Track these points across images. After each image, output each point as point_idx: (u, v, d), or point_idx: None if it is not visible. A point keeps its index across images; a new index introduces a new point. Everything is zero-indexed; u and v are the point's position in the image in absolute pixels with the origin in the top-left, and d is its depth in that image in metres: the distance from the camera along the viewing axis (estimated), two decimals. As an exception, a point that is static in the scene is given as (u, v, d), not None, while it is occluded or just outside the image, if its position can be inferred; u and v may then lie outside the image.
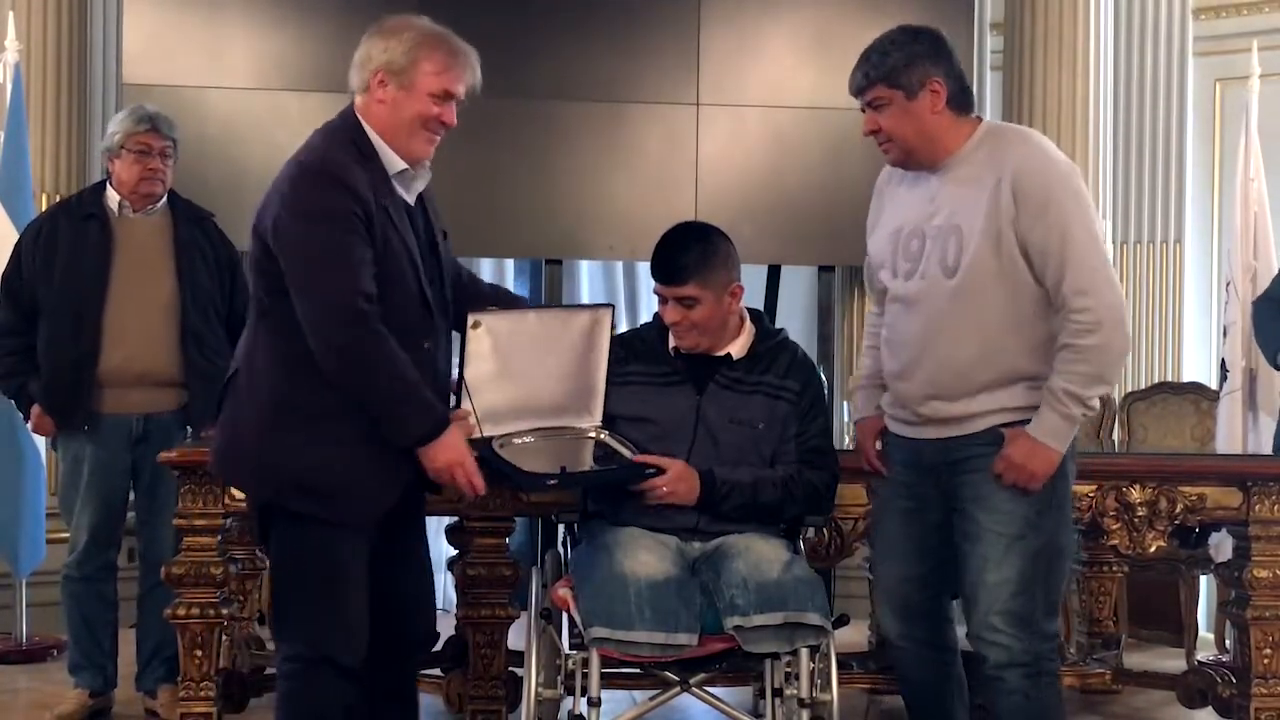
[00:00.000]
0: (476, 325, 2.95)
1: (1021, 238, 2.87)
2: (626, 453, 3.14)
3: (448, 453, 2.80)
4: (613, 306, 3.21)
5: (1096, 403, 2.95)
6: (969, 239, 2.90)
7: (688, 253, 3.15)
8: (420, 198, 2.95)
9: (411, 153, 2.86)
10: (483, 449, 2.99)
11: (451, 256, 3.07)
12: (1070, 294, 2.86)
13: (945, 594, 3.16)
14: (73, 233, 4.12)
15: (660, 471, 3.08)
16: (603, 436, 3.16)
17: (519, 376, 3.05)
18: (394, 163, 2.85)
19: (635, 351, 3.24)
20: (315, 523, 2.82)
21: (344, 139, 2.84)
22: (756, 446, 3.17)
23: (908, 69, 2.93)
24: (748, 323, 3.27)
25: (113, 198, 4.17)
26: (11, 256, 4.23)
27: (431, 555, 3.21)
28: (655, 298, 3.25)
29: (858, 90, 2.98)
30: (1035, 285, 2.91)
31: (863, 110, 3.02)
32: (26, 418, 4.25)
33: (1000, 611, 2.93)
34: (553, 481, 3.10)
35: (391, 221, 2.80)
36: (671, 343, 3.24)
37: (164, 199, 4.20)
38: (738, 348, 3.23)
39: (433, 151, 2.91)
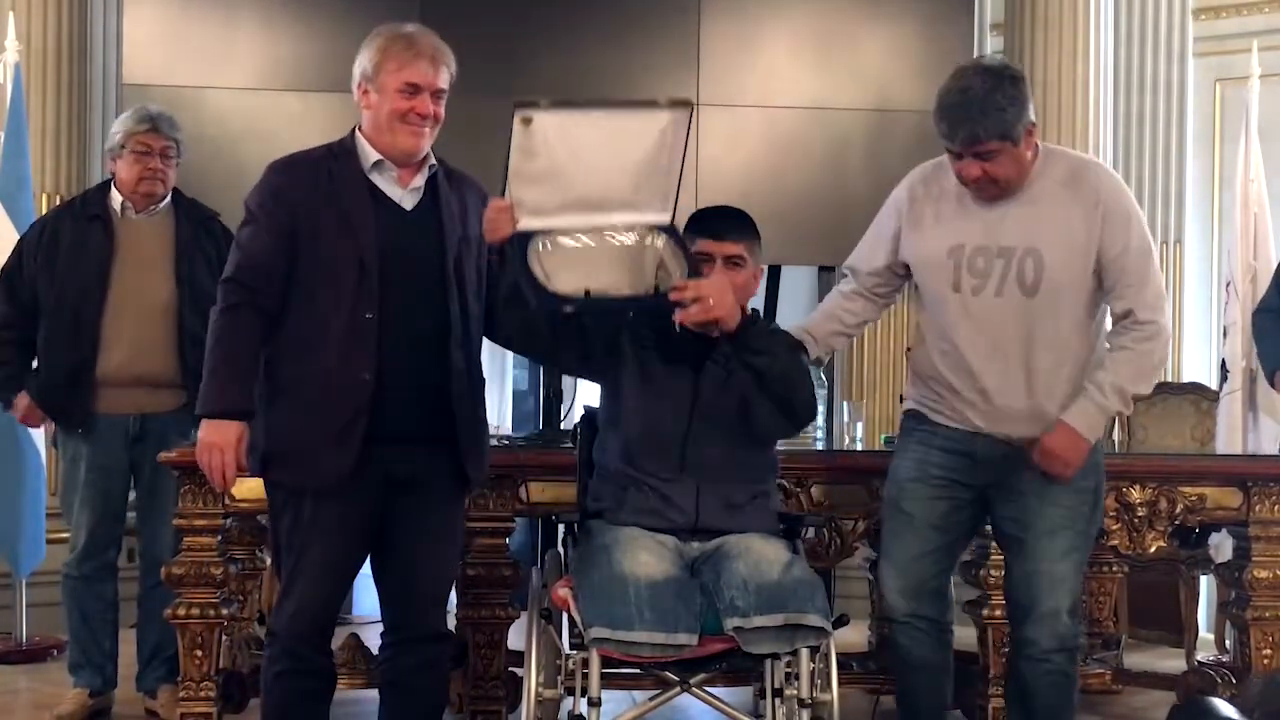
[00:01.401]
0: (527, 121, 2.97)
1: (1103, 254, 3.09)
2: (677, 274, 3.07)
3: (213, 434, 2.97)
4: (691, 105, 3.10)
5: (1130, 409, 3.16)
6: (1049, 260, 3.07)
7: (740, 217, 3.26)
8: (452, 198, 3.11)
9: (397, 147, 3.07)
10: (518, 247, 2.99)
11: (486, 259, 3.18)
12: (1141, 308, 3.10)
13: (951, 572, 3.31)
14: (75, 233, 4.12)
15: (689, 303, 3.01)
16: (659, 245, 3.09)
17: (576, 172, 3.06)
18: (369, 157, 3.07)
19: (644, 321, 3.27)
20: (279, 491, 3.06)
21: (328, 144, 3.12)
22: (752, 411, 3.17)
23: (1019, 121, 3.02)
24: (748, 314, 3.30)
25: (116, 198, 4.17)
26: (13, 253, 4.23)
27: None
28: None
29: (970, 143, 3.01)
30: (1095, 298, 3.14)
31: (956, 154, 3.06)
32: (7, 406, 4.24)
33: (1069, 601, 3.14)
34: (569, 308, 3.05)
35: (340, 207, 3.02)
36: (676, 318, 3.25)
37: (167, 199, 4.20)
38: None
39: (424, 143, 3.08)
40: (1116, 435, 5.36)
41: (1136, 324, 3.10)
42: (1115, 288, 3.11)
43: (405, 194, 3.09)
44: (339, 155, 3.09)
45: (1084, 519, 3.17)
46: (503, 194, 3.01)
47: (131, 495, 4.27)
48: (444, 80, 3.08)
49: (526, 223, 3.02)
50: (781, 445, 3.89)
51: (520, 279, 3.02)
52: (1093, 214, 3.08)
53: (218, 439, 2.97)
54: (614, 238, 3.10)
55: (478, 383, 3.16)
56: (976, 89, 3.00)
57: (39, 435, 4.94)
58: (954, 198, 3.17)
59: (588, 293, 3.02)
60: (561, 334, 3.14)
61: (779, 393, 3.10)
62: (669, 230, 3.12)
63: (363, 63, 3.09)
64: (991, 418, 3.14)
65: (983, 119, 2.98)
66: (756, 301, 3.45)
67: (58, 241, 4.12)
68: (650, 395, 3.17)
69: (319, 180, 3.05)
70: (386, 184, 3.08)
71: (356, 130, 3.12)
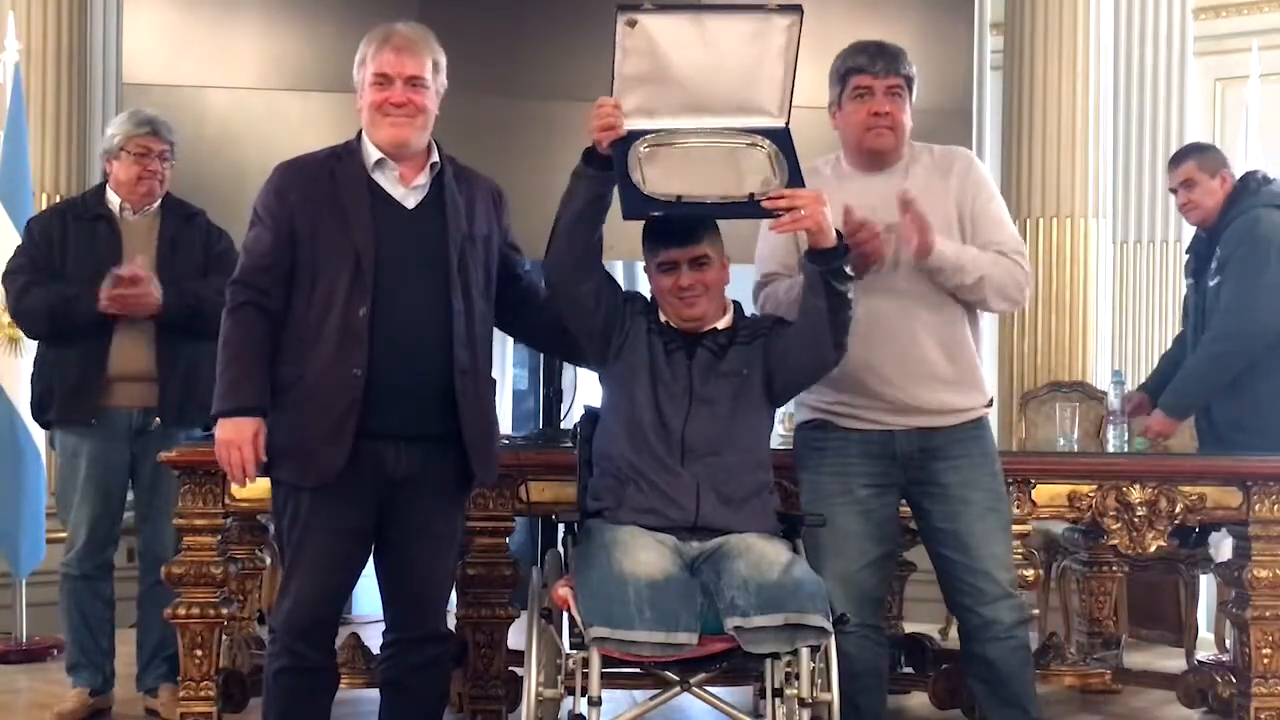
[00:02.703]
0: (631, 23, 3.01)
1: (969, 208, 3.29)
2: (777, 182, 3.08)
3: (230, 432, 3.00)
4: (802, 9, 3.11)
5: (965, 279, 3.23)
6: (933, 225, 3.20)
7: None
8: (459, 196, 3.13)
9: (382, 140, 3.08)
10: (619, 148, 3.01)
11: (501, 256, 3.23)
12: (1011, 251, 3.28)
13: (890, 578, 3.46)
14: (81, 233, 4.16)
15: (782, 212, 3.02)
16: (764, 150, 3.11)
17: (683, 74, 3.08)
18: (371, 156, 3.10)
19: (645, 308, 3.29)
20: (280, 488, 3.08)
21: (334, 146, 3.15)
22: (748, 392, 3.20)
23: (914, 85, 3.31)
24: (731, 308, 3.32)
25: (113, 199, 4.21)
26: (23, 243, 4.26)
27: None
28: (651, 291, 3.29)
29: (888, 72, 3.24)
30: None
31: (856, 89, 3.26)
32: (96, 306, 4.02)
33: (1010, 576, 3.29)
34: (659, 212, 3.07)
35: (339, 206, 3.04)
36: (661, 318, 3.27)
37: (159, 200, 4.23)
38: (723, 323, 3.28)
39: (408, 134, 3.07)
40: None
41: (1004, 254, 3.26)
42: (980, 235, 3.27)
43: (408, 192, 3.10)
44: (343, 156, 3.12)
45: (1003, 498, 3.35)
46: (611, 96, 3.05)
47: (129, 495, 4.27)
48: (419, 68, 3.07)
49: (634, 123, 3.03)
50: (782, 445, 3.89)
51: (618, 183, 3.04)
52: (963, 181, 3.29)
53: (235, 436, 2.98)
54: (718, 142, 3.11)
55: (485, 382, 3.16)
56: (889, 44, 3.32)
57: (39, 435, 4.94)
58: (832, 184, 3.27)
59: (679, 198, 3.03)
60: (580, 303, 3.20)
61: (844, 322, 3.13)
62: (777, 135, 3.12)
63: (356, 69, 3.13)
64: (894, 395, 3.24)
65: (897, 56, 3.28)
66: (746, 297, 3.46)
67: (66, 241, 4.15)
68: (659, 383, 3.19)
69: (320, 180, 3.07)
70: (389, 182, 3.09)
71: (362, 131, 3.13)
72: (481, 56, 4.77)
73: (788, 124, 3.16)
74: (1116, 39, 6.42)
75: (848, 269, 3.09)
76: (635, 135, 3.06)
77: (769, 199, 3.03)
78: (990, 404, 3.39)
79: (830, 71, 3.34)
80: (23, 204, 5.04)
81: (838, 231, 3.08)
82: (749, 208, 3.06)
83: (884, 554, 3.33)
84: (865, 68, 3.25)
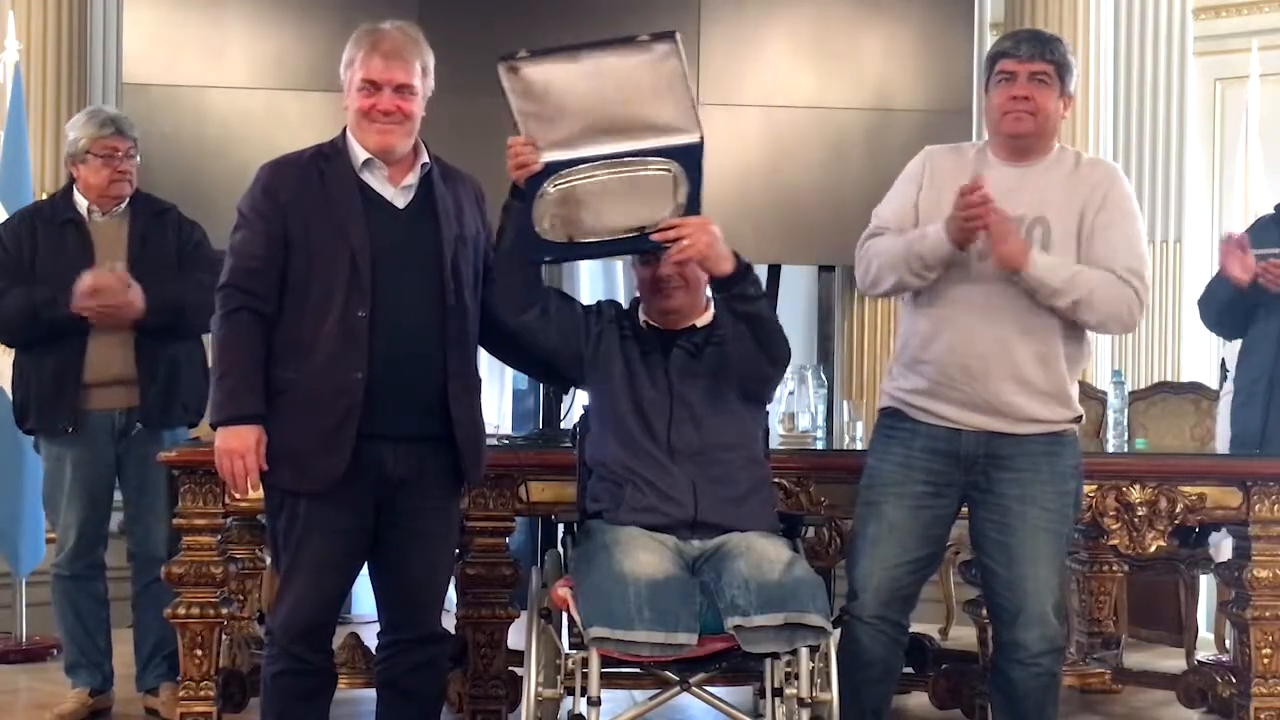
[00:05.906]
0: (513, 70, 3.05)
1: (1090, 223, 3.18)
2: (668, 210, 3.06)
3: (231, 440, 2.97)
4: (675, 33, 3.09)
5: (1059, 302, 3.13)
6: (1056, 230, 3.17)
7: None
8: (447, 196, 3.11)
9: (369, 145, 3.06)
10: (533, 184, 3.06)
11: (480, 256, 3.19)
12: (1124, 272, 3.14)
13: (925, 581, 3.34)
14: (51, 238, 4.12)
15: (668, 245, 3.03)
16: (673, 173, 3.09)
17: (582, 108, 3.10)
18: (358, 156, 3.07)
19: (617, 314, 3.32)
20: (274, 491, 3.05)
21: (318, 144, 3.12)
22: (726, 391, 3.21)
23: (1072, 77, 3.26)
24: (711, 305, 3.33)
25: (81, 202, 4.17)
26: None
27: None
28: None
29: (1032, 56, 3.19)
30: None
31: (1000, 74, 3.21)
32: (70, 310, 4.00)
33: (1053, 603, 3.17)
34: (549, 258, 3.12)
35: (331, 207, 3.01)
36: (642, 317, 3.28)
37: (128, 199, 4.19)
38: (703, 320, 3.31)
39: (394, 140, 3.05)
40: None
41: (1118, 276, 3.14)
42: (1094, 251, 3.15)
43: (397, 192, 3.09)
44: (329, 155, 3.09)
45: (1066, 520, 3.22)
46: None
47: (117, 497, 4.26)
48: (408, 75, 3.04)
49: (551, 155, 3.05)
50: (782, 445, 3.89)
51: (519, 225, 3.06)
52: (1095, 193, 3.20)
53: (237, 445, 2.96)
54: (625, 173, 3.11)
55: (474, 382, 3.16)
56: (1044, 31, 3.34)
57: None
58: (971, 167, 3.25)
59: (570, 239, 3.06)
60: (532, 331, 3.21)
61: (768, 336, 3.15)
62: (688, 154, 3.11)
63: (342, 65, 3.10)
64: (974, 389, 3.16)
65: (1049, 42, 3.24)
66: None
67: (35, 245, 4.11)
68: (638, 389, 3.21)
69: (309, 181, 3.05)
70: (378, 182, 3.08)
71: (347, 130, 3.11)
72: (480, 57, 4.76)
73: (702, 138, 3.12)
74: (1116, 39, 6.42)
75: (752, 290, 3.10)
76: (553, 168, 3.08)
77: (658, 231, 3.04)
78: (1079, 420, 3.28)
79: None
80: (22, 204, 5.03)
81: (736, 254, 3.09)
82: (639, 241, 3.08)
83: (926, 555, 3.26)
84: (1010, 51, 3.22)
